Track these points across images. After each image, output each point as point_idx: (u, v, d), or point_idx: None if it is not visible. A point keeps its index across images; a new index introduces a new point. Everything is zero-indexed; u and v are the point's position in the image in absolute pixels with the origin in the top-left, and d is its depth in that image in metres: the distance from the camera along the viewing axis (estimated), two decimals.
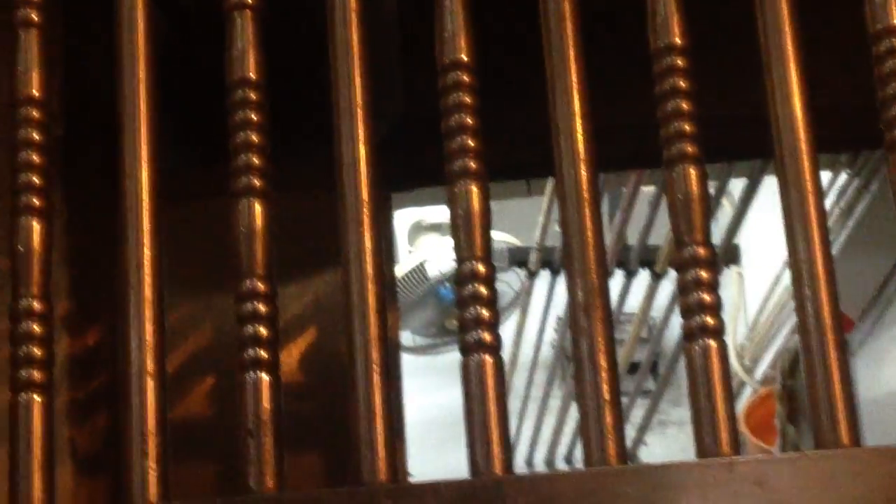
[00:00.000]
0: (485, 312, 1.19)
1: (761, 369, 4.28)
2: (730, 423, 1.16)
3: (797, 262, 1.20)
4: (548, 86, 1.26)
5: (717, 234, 3.78)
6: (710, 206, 1.24)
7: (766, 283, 4.20)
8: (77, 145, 1.75)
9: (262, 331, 1.21)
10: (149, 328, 1.21)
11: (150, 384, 1.19)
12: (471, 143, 1.24)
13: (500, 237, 4.52)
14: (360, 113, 1.25)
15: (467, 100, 1.25)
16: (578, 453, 4.43)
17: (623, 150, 1.86)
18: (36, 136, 1.25)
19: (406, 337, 4.75)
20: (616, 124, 1.54)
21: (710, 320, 1.18)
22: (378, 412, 1.19)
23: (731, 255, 4.44)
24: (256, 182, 1.24)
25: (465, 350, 1.19)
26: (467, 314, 1.20)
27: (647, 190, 3.74)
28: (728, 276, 4.51)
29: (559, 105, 1.25)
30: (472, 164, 1.24)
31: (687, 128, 1.23)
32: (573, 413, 4.27)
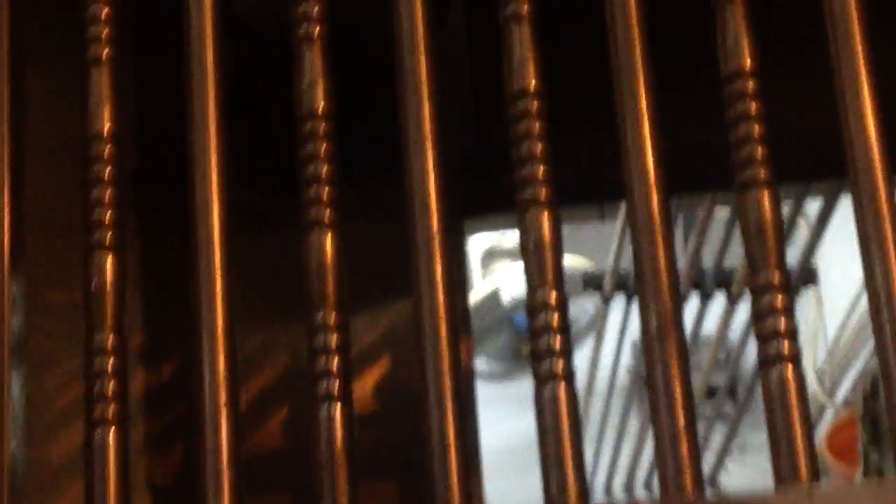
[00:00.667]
0: (558, 342, 1.19)
1: (842, 392, 4.23)
2: (809, 451, 1.14)
3: (874, 284, 1.18)
4: (617, 109, 1.25)
5: (794, 256, 3.74)
6: (784, 231, 1.22)
7: (845, 304, 4.15)
8: (150, 179, 1.76)
9: (335, 363, 1.21)
10: (221, 361, 1.21)
11: (224, 418, 1.20)
12: (541, 171, 1.23)
13: (575, 262, 4.51)
14: (429, 144, 1.25)
15: (537, 128, 1.24)
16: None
17: (695, 172, 1.85)
18: (108, 172, 1.26)
19: (481, 363, 4.74)
20: (688, 146, 1.52)
21: (786, 346, 1.16)
22: (452, 442, 1.18)
23: (808, 276, 4.39)
24: (327, 214, 1.24)
25: (539, 380, 1.18)
26: (540, 344, 1.19)
27: (722, 212, 3.72)
28: (806, 298, 4.46)
29: (629, 129, 1.24)
30: (543, 193, 1.23)
31: (759, 152, 1.21)
32: (651, 438, 4.24)
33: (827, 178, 2.83)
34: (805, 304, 4.44)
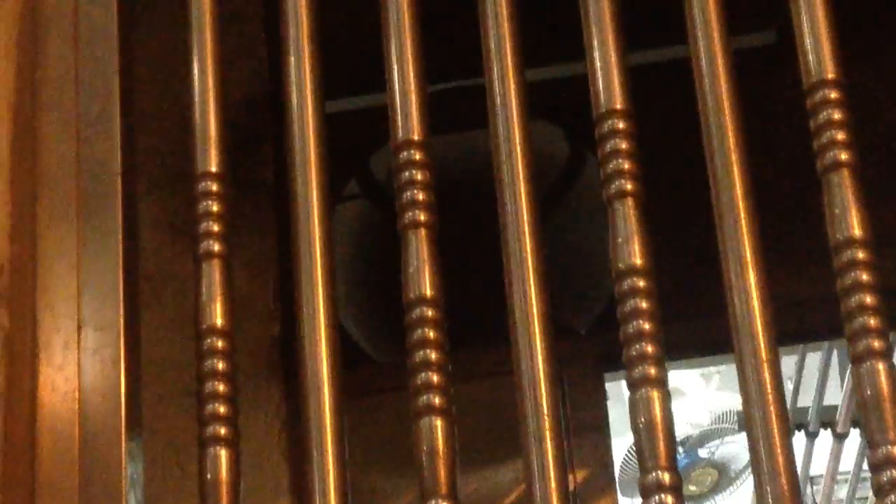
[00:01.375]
0: None
1: None
2: None
3: None
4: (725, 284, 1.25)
5: None
6: None
7: None
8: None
9: None
10: None
11: None
12: (649, 349, 1.22)
13: (731, 400, 4.44)
14: (534, 322, 1.25)
15: (644, 305, 1.23)
16: None
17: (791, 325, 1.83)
18: (220, 365, 1.28)
19: None
20: (788, 300, 1.51)
21: None
22: None
23: None
24: (437, 401, 1.24)
25: None
26: None
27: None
28: None
29: (734, 282, 1.24)
30: (652, 371, 1.22)
31: (872, 323, 1.19)
32: None
33: None
34: None
